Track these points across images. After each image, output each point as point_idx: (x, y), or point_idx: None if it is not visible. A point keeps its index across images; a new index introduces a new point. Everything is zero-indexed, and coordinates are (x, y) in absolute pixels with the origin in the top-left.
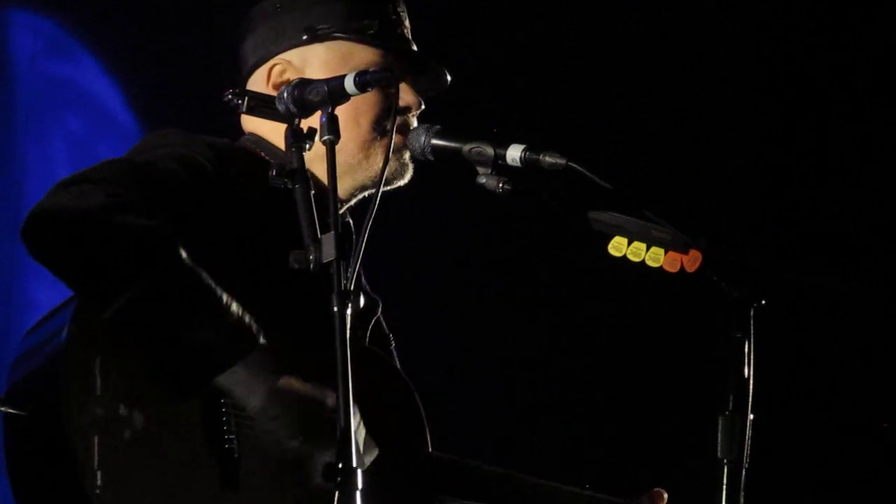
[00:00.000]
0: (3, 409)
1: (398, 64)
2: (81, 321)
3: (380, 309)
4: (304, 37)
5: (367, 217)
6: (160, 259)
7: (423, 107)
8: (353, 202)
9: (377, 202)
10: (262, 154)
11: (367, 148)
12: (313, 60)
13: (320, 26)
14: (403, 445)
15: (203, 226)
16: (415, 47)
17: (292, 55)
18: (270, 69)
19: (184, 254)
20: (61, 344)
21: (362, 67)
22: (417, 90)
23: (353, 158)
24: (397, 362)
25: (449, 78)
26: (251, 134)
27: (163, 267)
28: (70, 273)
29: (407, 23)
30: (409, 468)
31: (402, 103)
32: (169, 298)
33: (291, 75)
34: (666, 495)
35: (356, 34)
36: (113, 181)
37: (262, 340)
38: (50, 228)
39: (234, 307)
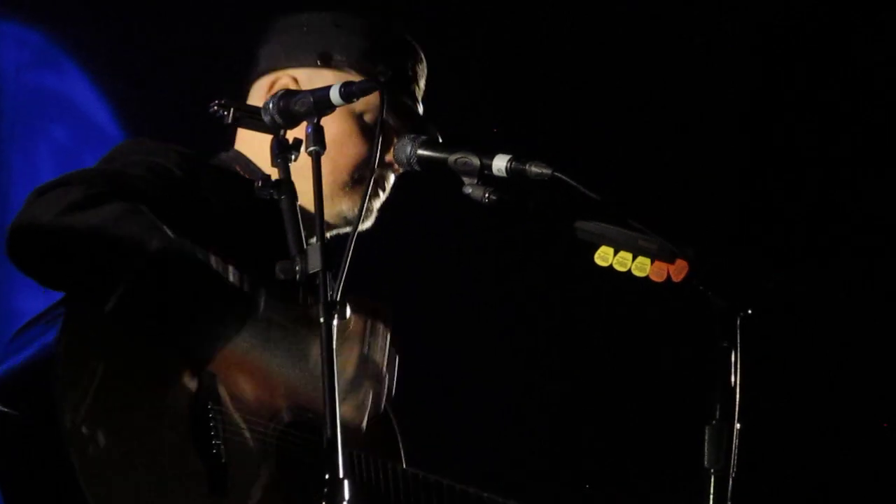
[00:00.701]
0: None
1: (397, 117)
2: (74, 321)
3: None
4: (318, 61)
5: (345, 255)
6: (146, 241)
7: (402, 171)
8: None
9: (352, 244)
10: (238, 169)
11: (339, 187)
12: (318, 84)
13: (336, 56)
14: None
15: (172, 229)
16: (419, 107)
17: (301, 73)
18: (275, 80)
19: (167, 230)
20: (53, 342)
21: (362, 108)
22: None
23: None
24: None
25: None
26: (233, 150)
27: (152, 248)
28: (62, 280)
29: (421, 83)
30: (382, 484)
31: (388, 157)
32: (166, 280)
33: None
34: None
35: (368, 75)
36: (86, 181)
37: (262, 302)
38: (32, 240)
39: (231, 270)
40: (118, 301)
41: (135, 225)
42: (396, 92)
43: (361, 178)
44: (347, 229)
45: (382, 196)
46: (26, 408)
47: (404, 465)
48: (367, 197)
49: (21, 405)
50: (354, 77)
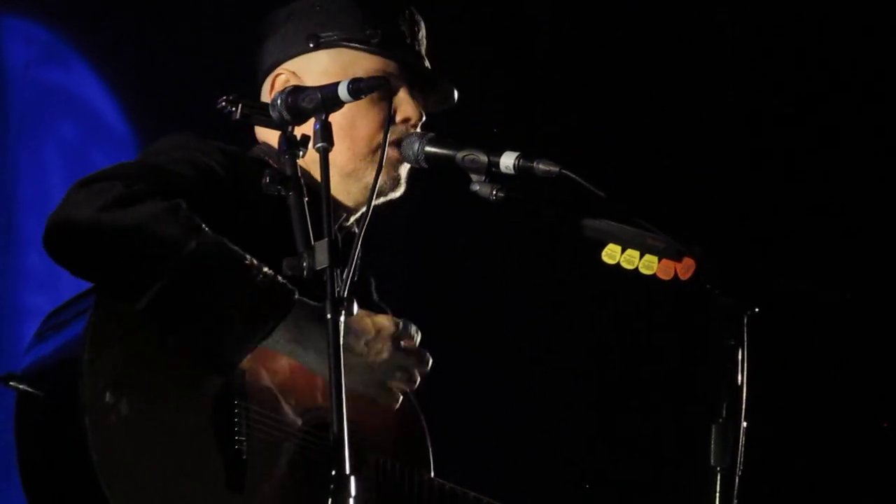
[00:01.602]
0: (20, 386)
1: (402, 74)
2: (104, 309)
3: (372, 288)
4: (310, 45)
5: (360, 230)
6: (183, 241)
7: (423, 119)
8: (358, 214)
9: (370, 215)
10: (272, 163)
11: (361, 159)
12: (314, 68)
13: (324, 34)
14: (405, 467)
15: (213, 227)
16: (426, 62)
17: (295, 64)
18: (274, 79)
19: (204, 227)
20: (82, 330)
21: (364, 74)
22: (421, 103)
23: (348, 167)
24: None
25: (456, 94)
26: (263, 143)
27: (188, 249)
28: (98, 276)
29: (420, 36)
30: (409, 492)
31: (401, 115)
32: (200, 281)
33: (293, 83)
34: None
35: (360, 43)
36: (128, 177)
37: (296, 297)
38: (70, 234)
39: (265, 270)
40: (151, 299)
41: (173, 224)
42: (396, 53)
43: (380, 146)
44: (379, 200)
45: (406, 163)
46: (51, 393)
47: (432, 469)
48: (384, 155)
49: (46, 391)
50: (348, 51)
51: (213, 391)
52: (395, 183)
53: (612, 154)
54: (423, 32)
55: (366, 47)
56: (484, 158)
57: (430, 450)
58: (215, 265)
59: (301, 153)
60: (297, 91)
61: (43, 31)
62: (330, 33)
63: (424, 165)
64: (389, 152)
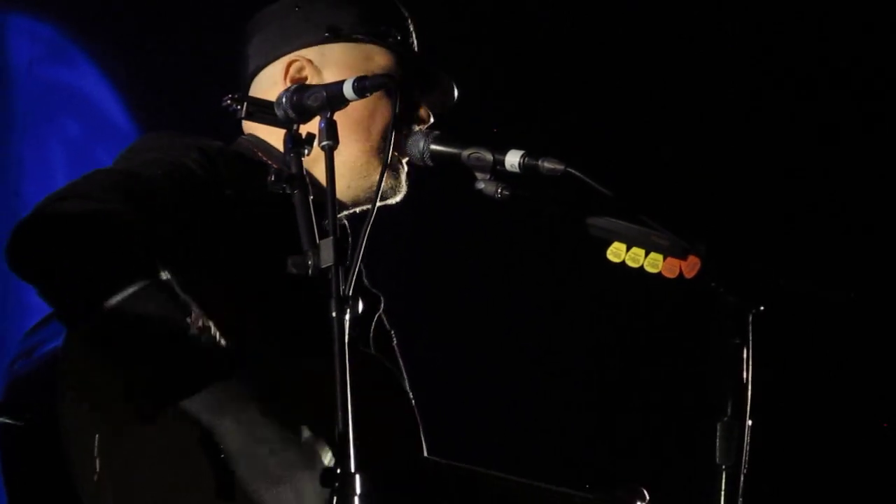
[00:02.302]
0: (1, 419)
1: (412, 73)
2: (79, 329)
3: (381, 306)
4: (326, 34)
5: (364, 230)
6: (135, 277)
7: (432, 120)
8: (350, 211)
9: (374, 215)
10: (260, 155)
11: (370, 156)
12: (333, 58)
13: (342, 26)
14: (399, 452)
15: (194, 232)
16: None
17: (310, 52)
18: (288, 65)
19: (163, 273)
20: (58, 351)
21: (380, 70)
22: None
23: (355, 163)
24: (400, 359)
25: (457, 93)
26: (250, 135)
27: (137, 286)
28: (43, 288)
29: (412, 30)
30: (404, 475)
31: (417, 114)
32: (141, 316)
33: (310, 72)
34: (646, 493)
35: (377, 38)
36: (98, 195)
37: (235, 366)
38: (29, 245)
39: (211, 330)
40: (86, 329)
41: (125, 258)
42: (406, 49)
43: (393, 143)
44: (385, 201)
45: (406, 167)
46: (32, 421)
47: (425, 450)
48: (389, 155)
49: (27, 420)
50: (365, 45)
51: (198, 398)
52: (397, 187)
53: (616, 152)
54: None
55: (384, 42)
56: (489, 157)
57: (422, 435)
58: (161, 308)
59: (306, 151)
60: (302, 89)
61: (47, 29)
62: (347, 26)
63: (430, 163)
64: (392, 153)
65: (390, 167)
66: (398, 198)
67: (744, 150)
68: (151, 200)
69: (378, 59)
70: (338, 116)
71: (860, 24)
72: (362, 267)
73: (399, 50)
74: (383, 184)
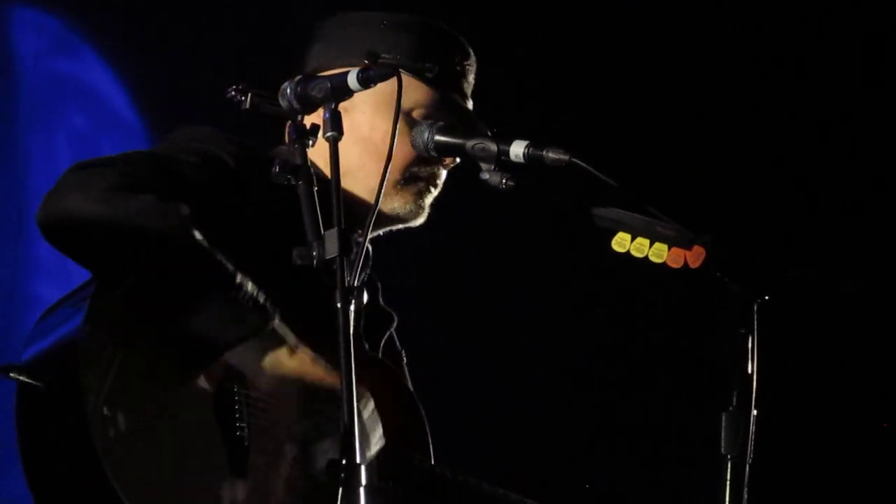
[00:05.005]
0: (20, 377)
1: (445, 111)
2: (101, 299)
3: (394, 325)
4: (366, 60)
5: (365, 231)
6: (171, 237)
7: (458, 162)
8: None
9: (374, 215)
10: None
11: (388, 188)
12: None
13: (384, 54)
14: (405, 456)
15: (216, 219)
16: (469, 103)
17: None
18: None
19: (196, 233)
20: (81, 319)
21: (410, 106)
22: None
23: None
24: (408, 378)
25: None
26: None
27: (173, 244)
28: (79, 257)
29: (470, 78)
30: (409, 480)
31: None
32: (179, 275)
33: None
34: None
35: (414, 72)
36: (126, 163)
37: (276, 320)
38: (57, 217)
39: (249, 285)
40: (128, 289)
41: (160, 220)
42: (445, 89)
43: (413, 177)
44: (400, 226)
45: (434, 192)
46: (51, 386)
47: (432, 457)
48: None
49: (47, 381)
50: (402, 75)
51: (213, 376)
52: (419, 211)
53: (622, 143)
54: (473, 69)
55: (420, 77)
56: (493, 147)
57: (430, 440)
58: (198, 266)
59: (311, 142)
60: (306, 80)
61: (53, 22)
62: (388, 55)
63: (434, 154)
64: (410, 182)
65: (412, 193)
66: (420, 221)
67: (750, 141)
68: (176, 178)
69: (411, 92)
70: (362, 145)
71: (863, 19)
72: (378, 285)
73: (433, 87)
74: (405, 206)
